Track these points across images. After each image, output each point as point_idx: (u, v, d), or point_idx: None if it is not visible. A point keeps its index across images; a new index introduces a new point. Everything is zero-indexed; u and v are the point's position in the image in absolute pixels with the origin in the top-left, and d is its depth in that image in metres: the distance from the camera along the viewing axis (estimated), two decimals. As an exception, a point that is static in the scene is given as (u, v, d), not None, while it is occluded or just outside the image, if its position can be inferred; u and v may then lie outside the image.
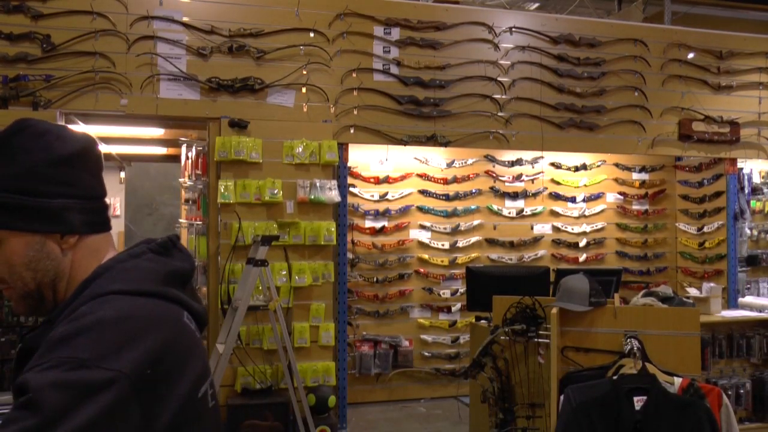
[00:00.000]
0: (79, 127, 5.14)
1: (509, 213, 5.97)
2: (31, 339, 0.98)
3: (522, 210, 6.00)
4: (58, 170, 0.99)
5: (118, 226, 8.88)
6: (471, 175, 5.87)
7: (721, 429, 2.58)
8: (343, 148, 4.85)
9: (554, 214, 6.11)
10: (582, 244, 6.15)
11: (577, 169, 6.15)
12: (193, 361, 0.98)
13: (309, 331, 4.58)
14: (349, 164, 5.04)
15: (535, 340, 3.29)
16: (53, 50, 4.28)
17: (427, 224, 5.78)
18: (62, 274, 1.01)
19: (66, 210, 1.00)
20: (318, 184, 4.62)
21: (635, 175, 6.39)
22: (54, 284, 1.01)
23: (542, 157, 5.96)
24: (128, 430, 0.85)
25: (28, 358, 0.92)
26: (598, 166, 6.24)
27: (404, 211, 5.70)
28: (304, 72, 4.76)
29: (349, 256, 5.40)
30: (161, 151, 7.08)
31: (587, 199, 6.21)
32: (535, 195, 6.04)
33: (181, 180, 5.57)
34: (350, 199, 5.33)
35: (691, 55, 5.85)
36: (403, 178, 5.71)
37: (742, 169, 6.16)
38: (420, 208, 5.76)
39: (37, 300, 1.01)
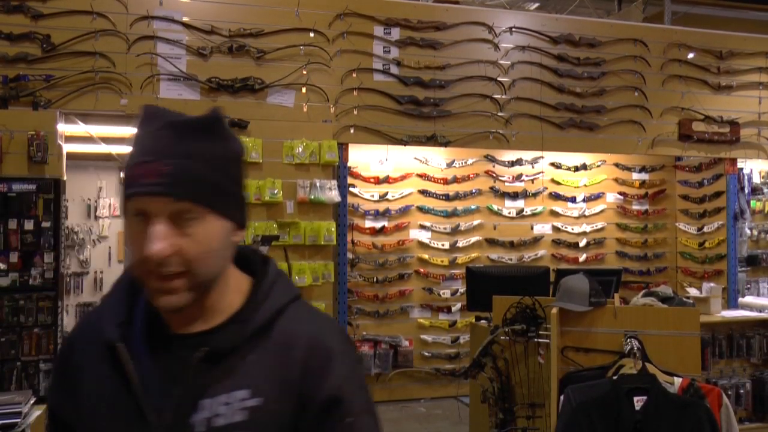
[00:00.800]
0: (79, 127, 5.14)
1: (509, 213, 5.97)
2: (221, 341, 0.94)
3: (522, 210, 6.00)
4: (244, 164, 1.01)
5: (118, 226, 8.87)
6: (471, 175, 5.87)
7: (721, 429, 2.58)
8: (343, 148, 4.85)
9: (554, 214, 6.11)
10: (582, 244, 6.15)
11: (577, 169, 6.15)
12: None
13: (309, 331, 4.58)
14: (349, 164, 5.04)
15: (535, 340, 3.29)
16: (53, 50, 4.28)
17: (427, 224, 5.77)
18: (225, 269, 0.98)
19: (246, 204, 1.01)
20: (318, 184, 4.62)
21: (635, 175, 6.39)
22: (217, 278, 0.96)
23: (542, 157, 5.96)
24: None
25: (218, 359, 0.93)
26: (598, 166, 6.24)
27: (404, 211, 5.70)
28: (304, 72, 4.76)
29: (349, 256, 5.40)
30: (161, 151, 7.08)
31: (587, 199, 6.20)
32: (535, 195, 6.03)
33: (181, 180, 5.57)
34: (350, 199, 5.33)
35: (691, 55, 5.84)
36: (403, 178, 5.71)
37: (742, 169, 6.16)
38: (420, 208, 5.76)
39: (201, 293, 0.94)
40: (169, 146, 0.92)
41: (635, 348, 2.80)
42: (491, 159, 5.90)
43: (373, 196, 5.65)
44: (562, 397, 2.73)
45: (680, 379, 2.69)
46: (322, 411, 0.94)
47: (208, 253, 0.92)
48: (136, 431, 0.93)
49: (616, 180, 6.33)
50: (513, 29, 5.35)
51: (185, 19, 4.56)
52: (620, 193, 6.34)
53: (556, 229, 6.13)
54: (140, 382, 0.93)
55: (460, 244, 5.81)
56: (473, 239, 5.85)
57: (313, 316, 1.02)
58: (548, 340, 3.13)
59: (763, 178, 6.49)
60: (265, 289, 1.00)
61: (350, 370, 0.98)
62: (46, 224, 4.16)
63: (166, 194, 0.89)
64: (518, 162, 5.94)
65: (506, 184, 5.97)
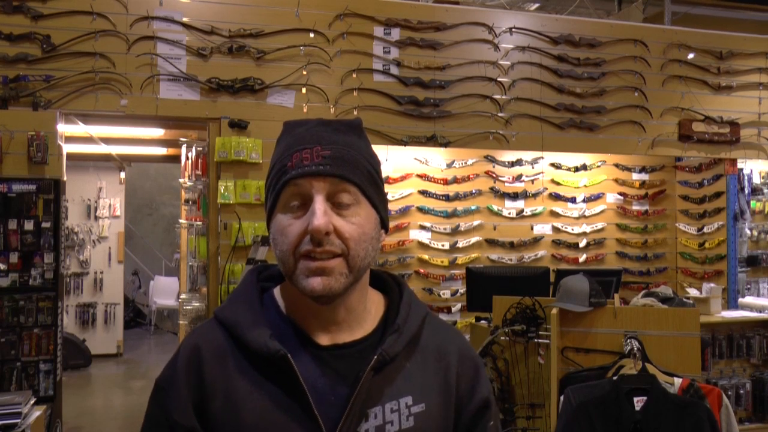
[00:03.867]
0: (79, 128, 5.14)
1: (509, 213, 5.97)
2: (389, 349, 0.97)
3: (522, 210, 6.00)
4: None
5: (118, 227, 8.88)
6: (471, 176, 5.86)
7: (721, 429, 2.58)
8: (343, 149, 4.84)
9: (554, 214, 6.11)
10: (582, 244, 6.15)
11: (577, 169, 6.15)
12: None
13: (309, 331, 4.57)
14: (349, 164, 5.03)
15: (535, 340, 3.29)
16: (53, 50, 4.28)
17: (427, 225, 5.77)
18: (370, 267, 0.99)
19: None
20: (318, 185, 4.61)
21: (635, 176, 6.39)
22: (364, 276, 0.99)
23: (542, 158, 5.96)
24: None
25: (381, 367, 0.96)
26: (598, 166, 6.24)
27: (404, 211, 5.70)
28: (304, 72, 4.76)
29: (349, 256, 5.39)
30: (161, 151, 7.10)
31: (587, 200, 6.20)
32: (535, 195, 6.03)
33: (181, 180, 5.58)
34: (350, 200, 5.31)
35: (691, 56, 5.85)
36: (403, 178, 5.71)
37: (742, 169, 6.16)
38: (420, 209, 5.76)
39: (351, 282, 0.95)
40: (325, 136, 0.96)
41: (635, 348, 2.81)
42: (491, 159, 5.90)
43: (373, 196, 5.63)
44: (562, 397, 2.73)
45: (680, 380, 2.69)
46: (475, 415, 1.03)
47: (362, 236, 0.95)
48: None
49: (616, 180, 6.33)
50: (513, 30, 5.35)
51: (185, 19, 4.56)
52: (620, 194, 6.34)
53: (556, 229, 6.13)
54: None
55: (460, 245, 5.81)
56: (473, 240, 5.85)
57: (446, 326, 1.09)
58: (548, 341, 3.14)
59: (763, 178, 6.49)
60: (407, 300, 1.03)
61: (487, 377, 1.08)
62: (46, 224, 4.16)
63: (328, 174, 0.93)
64: (518, 162, 5.94)
65: (506, 184, 5.97)
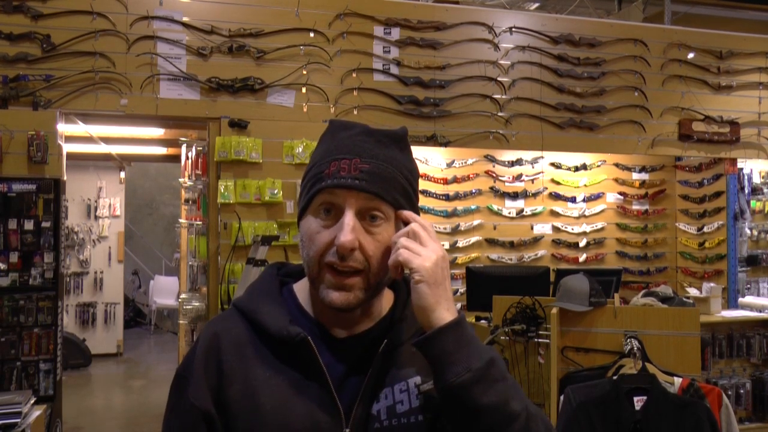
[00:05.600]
0: (79, 127, 5.14)
1: (509, 213, 5.97)
2: (397, 335, 1.02)
3: (522, 210, 6.00)
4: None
5: (118, 226, 8.88)
6: (471, 175, 5.86)
7: (721, 429, 2.58)
8: (343, 148, 4.84)
9: (554, 214, 6.11)
10: (582, 244, 6.15)
11: (577, 169, 6.15)
12: None
13: (309, 331, 4.57)
14: (349, 164, 5.03)
15: (535, 340, 3.29)
16: (53, 50, 4.28)
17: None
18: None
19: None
20: (318, 184, 4.61)
21: (635, 175, 6.39)
22: (384, 285, 1.02)
23: (542, 157, 5.96)
24: None
25: (390, 352, 1.00)
26: (598, 166, 6.24)
27: (404, 211, 5.69)
28: (304, 72, 4.76)
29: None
30: (161, 151, 7.10)
31: (587, 199, 6.20)
32: (535, 195, 6.03)
33: (181, 180, 5.58)
34: (350, 199, 5.31)
35: (691, 55, 5.85)
36: (403, 178, 5.70)
37: (742, 169, 6.16)
38: (420, 208, 5.75)
39: (371, 296, 0.99)
40: (367, 148, 0.98)
41: (635, 348, 2.81)
42: (491, 159, 5.90)
43: (373, 196, 5.63)
44: (562, 397, 2.73)
45: (680, 379, 2.69)
46: None
47: (385, 254, 0.97)
48: (324, 422, 0.95)
49: (616, 180, 6.33)
50: (513, 29, 5.35)
51: (185, 19, 4.56)
52: (620, 193, 6.33)
53: (556, 229, 6.13)
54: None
55: (460, 244, 5.81)
56: (473, 239, 5.85)
57: None
58: (548, 340, 3.14)
59: (763, 178, 6.49)
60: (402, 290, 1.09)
61: None
62: (46, 224, 4.16)
63: (363, 189, 0.94)
64: (518, 162, 5.94)
65: (506, 184, 5.96)
